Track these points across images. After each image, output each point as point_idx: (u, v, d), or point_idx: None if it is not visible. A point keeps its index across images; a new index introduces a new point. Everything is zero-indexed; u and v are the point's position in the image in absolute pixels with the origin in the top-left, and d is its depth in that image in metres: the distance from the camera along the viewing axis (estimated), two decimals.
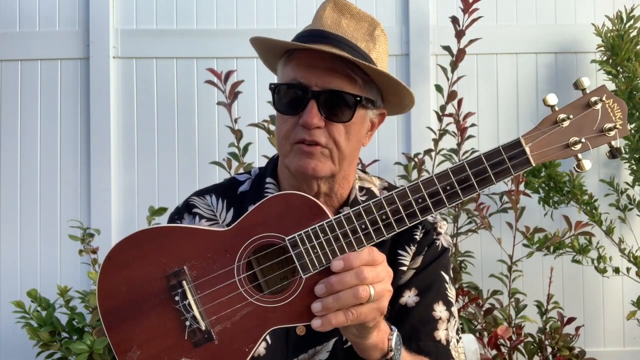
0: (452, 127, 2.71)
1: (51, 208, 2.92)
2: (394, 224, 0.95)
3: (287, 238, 0.94)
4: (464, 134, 2.69)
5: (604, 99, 0.98)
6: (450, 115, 2.69)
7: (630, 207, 2.82)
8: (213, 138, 2.94)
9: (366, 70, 1.19)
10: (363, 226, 0.94)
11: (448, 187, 0.94)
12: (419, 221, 0.97)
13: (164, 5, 3.00)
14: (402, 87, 1.24)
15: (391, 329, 1.07)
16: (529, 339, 2.54)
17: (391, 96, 1.28)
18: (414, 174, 2.70)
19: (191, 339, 0.92)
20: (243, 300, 0.93)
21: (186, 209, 1.31)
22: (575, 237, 2.63)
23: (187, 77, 2.97)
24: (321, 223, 0.94)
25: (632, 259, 2.72)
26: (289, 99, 1.19)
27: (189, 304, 0.93)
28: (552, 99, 0.97)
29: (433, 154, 2.72)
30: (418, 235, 1.30)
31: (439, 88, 2.71)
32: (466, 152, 2.71)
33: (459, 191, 0.94)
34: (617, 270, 2.77)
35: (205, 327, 0.92)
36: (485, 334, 2.44)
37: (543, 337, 2.51)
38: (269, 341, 1.22)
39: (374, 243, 0.95)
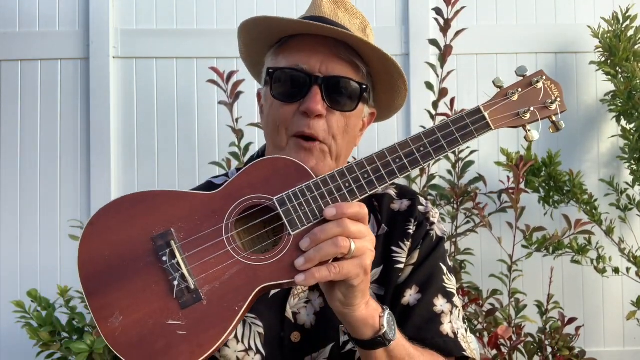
0: None
1: (51, 208, 2.92)
2: (375, 181, 0.99)
3: (274, 198, 0.94)
4: None
5: (543, 78, 1.13)
6: (444, 114, 2.65)
7: (630, 207, 2.82)
8: (213, 138, 2.94)
9: (374, 53, 1.14)
10: (347, 184, 0.96)
11: (421, 148, 1.01)
12: (397, 178, 1.01)
13: (164, 5, 3.00)
14: (401, 81, 1.21)
15: (383, 308, 1.05)
16: (529, 339, 2.53)
17: (384, 93, 1.25)
18: (414, 171, 2.68)
19: (179, 299, 0.88)
20: (231, 258, 0.91)
21: None
22: (574, 237, 2.62)
23: (187, 77, 2.97)
24: (307, 183, 0.95)
25: (632, 259, 2.72)
26: (290, 85, 1.14)
27: (177, 263, 0.89)
28: (499, 82, 1.11)
29: None
30: (411, 229, 1.26)
31: (429, 85, 2.65)
32: (462, 150, 2.66)
33: (431, 151, 1.01)
34: (616, 271, 2.77)
35: (194, 286, 0.89)
36: (486, 334, 2.43)
37: (543, 337, 2.51)
38: (264, 353, 1.19)
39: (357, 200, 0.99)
